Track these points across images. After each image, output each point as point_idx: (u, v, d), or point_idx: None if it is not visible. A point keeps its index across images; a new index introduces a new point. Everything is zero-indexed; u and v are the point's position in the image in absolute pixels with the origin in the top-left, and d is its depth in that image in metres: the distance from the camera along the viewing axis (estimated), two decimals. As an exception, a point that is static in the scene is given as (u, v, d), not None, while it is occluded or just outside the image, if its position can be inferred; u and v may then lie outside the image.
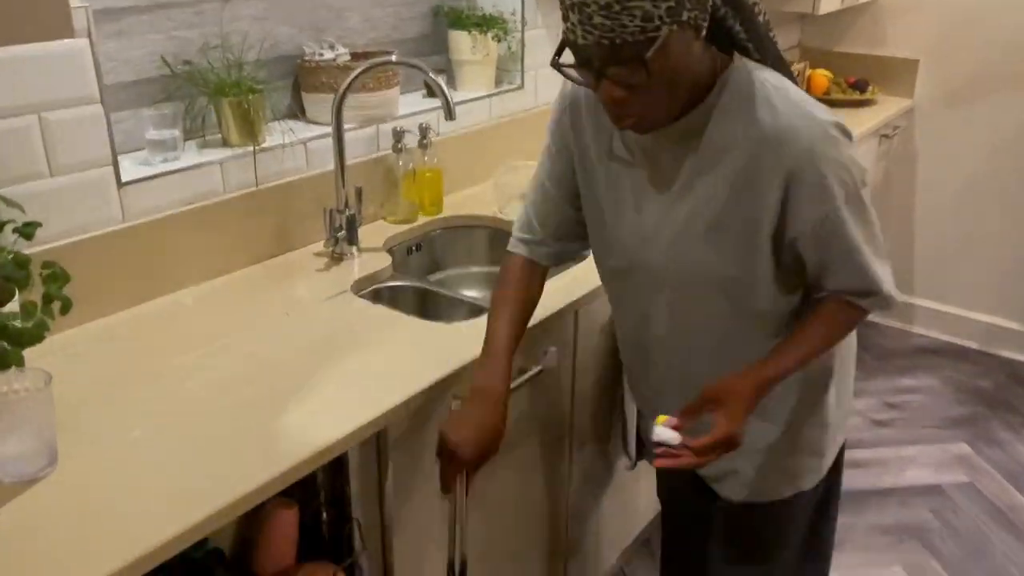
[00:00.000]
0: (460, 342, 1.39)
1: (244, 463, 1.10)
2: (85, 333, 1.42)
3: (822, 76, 3.15)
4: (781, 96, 1.08)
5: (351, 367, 1.35)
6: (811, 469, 1.36)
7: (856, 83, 3.17)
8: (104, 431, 1.17)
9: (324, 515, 1.37)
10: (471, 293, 1.92)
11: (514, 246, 1.36)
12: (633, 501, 2.08)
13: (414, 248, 1.95)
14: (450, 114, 1.65)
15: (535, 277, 1.34)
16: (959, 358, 3.28)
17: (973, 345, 3.34)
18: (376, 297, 1.67)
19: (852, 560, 2.25)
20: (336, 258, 1.74)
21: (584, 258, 1.62)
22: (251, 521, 1.32)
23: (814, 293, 1.21)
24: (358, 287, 1.65)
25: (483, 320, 1.33)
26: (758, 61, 1.13)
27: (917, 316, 3.45)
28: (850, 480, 2.57)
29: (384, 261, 1.76)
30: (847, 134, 1.08)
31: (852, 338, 1.36)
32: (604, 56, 0.99)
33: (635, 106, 1.03)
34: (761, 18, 1.12)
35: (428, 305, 1.72)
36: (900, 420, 2.88)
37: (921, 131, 3.26)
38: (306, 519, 1.35)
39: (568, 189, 1.30)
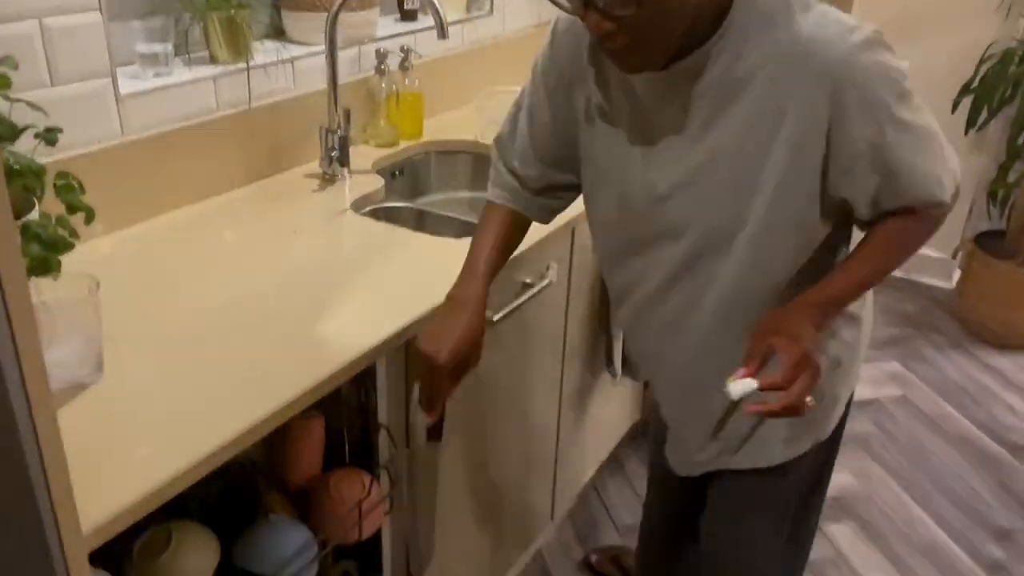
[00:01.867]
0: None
1: (278, 377, 1.10)
2: (92, 250, 1.38)
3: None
4: (801, 6, 0.96)
5: (371, 280, 1.36)
6: (826, 418, 1.24)
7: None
8: (141, 341, 1.16)
9: (349, 424, 1.39)
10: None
11: (496, 197, 1.22)
12: (610, 416, 2.17)
13: (397, 172, 1.95)
14: (443, 32, 1.65)
15: (516, 226, 1.23)
16: (887, 286, 3.49)
17: (898, 273, 3.56)
18: (375, 216, 1.67)
19: (805, 468, 2.41)
20: (328, 179, 1.73)
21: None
22: (278, 432, 1.33)
23: (863, 228, 1.09)
24: (356, 207, 1.65)
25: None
26: None
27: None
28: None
29: (376, 183, 1.75)
30: (882, 38, 0.97)
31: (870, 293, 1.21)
32: None
33: (623, 40, 0.93)
34: None
35: (423, 225, 1.74)
36: (837, 342, 3.07)
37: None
38: (331, 429, 1.37)
39: (556, 134, 1.17)
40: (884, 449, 2.51)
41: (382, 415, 1.34)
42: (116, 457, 0.94)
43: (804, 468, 1.27)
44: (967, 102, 3.07)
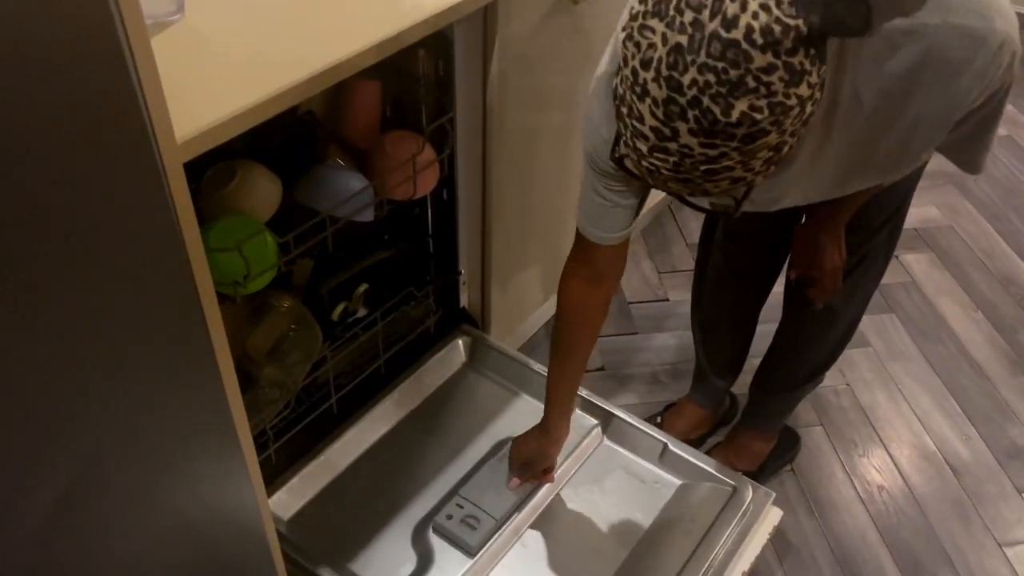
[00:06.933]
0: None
1: (352, 30, 1.08)
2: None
3: None
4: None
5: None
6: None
7: None
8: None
9: (411, 94, 1.38)
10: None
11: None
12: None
13: None
14: None
15: (596, 299, 1.21)
16: None
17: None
18: None
19: (889, 200, 2.35)
20: None
21: None
22: (338, 91, 1.33)
23: None
24: None
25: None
26: None
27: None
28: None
29: None
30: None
31: None
32: (687, 193, 0.88)
33: None
34: None
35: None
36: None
37: None
38: (404, 102, 1.38)
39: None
40: (976, 185, 2.42)
41: (459, 94, 1.33)
42: (199, 88, 0.97)
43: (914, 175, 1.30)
44: None
